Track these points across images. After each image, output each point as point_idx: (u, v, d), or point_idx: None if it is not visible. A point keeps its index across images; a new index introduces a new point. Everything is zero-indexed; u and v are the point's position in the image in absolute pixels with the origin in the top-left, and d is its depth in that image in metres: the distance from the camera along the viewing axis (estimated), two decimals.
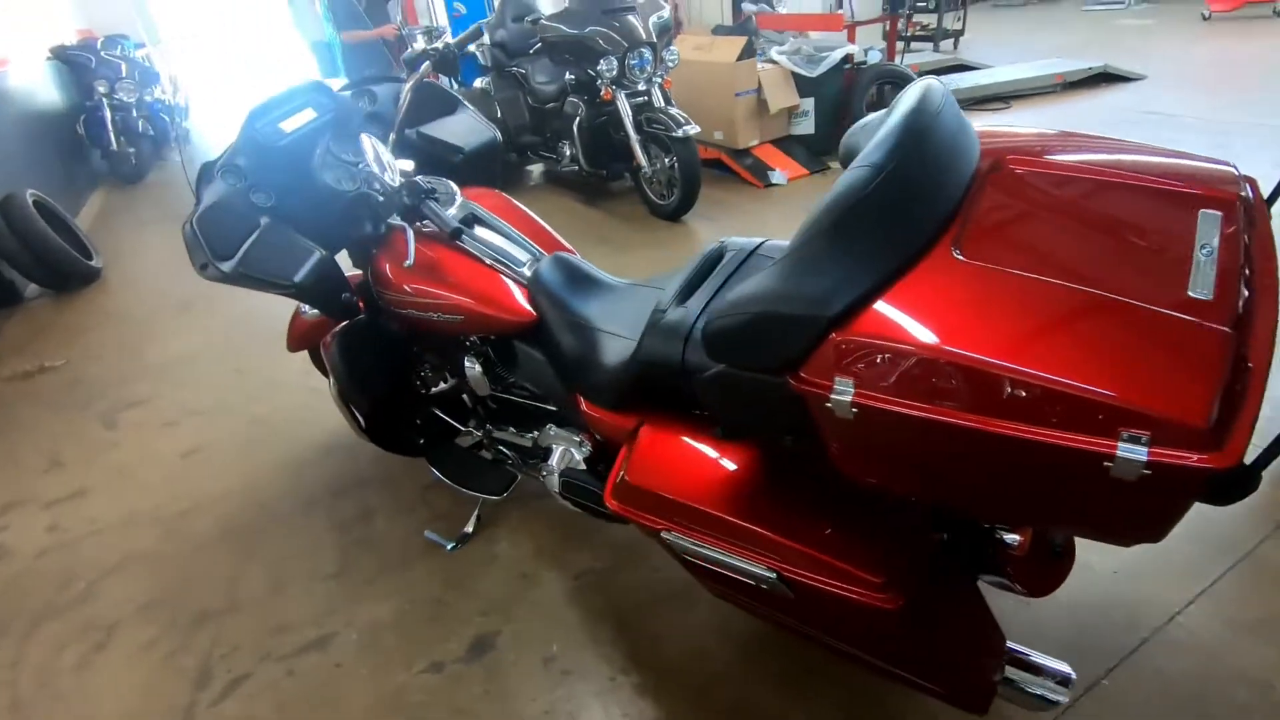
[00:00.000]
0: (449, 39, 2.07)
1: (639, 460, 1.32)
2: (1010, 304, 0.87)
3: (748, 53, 4.70)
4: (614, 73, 4.08)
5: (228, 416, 2.93)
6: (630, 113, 4.13)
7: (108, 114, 6.60)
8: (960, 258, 0.91)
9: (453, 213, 1.74)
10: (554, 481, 1.78)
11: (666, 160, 4.20)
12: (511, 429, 1.95)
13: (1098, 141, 1.13)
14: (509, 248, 1.76)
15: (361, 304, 1.90)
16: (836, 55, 4.83)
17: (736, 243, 1.50)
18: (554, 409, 1.86)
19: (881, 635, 1.14)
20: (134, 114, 6.87)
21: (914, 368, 0.86)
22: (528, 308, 1.68)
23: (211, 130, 9.08)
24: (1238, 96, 5.54)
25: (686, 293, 1.39)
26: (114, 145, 6.62)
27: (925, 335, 0.85)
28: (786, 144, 5.09)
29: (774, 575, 1.15)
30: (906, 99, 1.04)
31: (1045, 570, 1.32)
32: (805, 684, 1.60)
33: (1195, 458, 0.71)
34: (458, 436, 2.22)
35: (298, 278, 1.68)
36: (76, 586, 2.15)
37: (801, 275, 0.92)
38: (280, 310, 3.88)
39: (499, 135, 2.11)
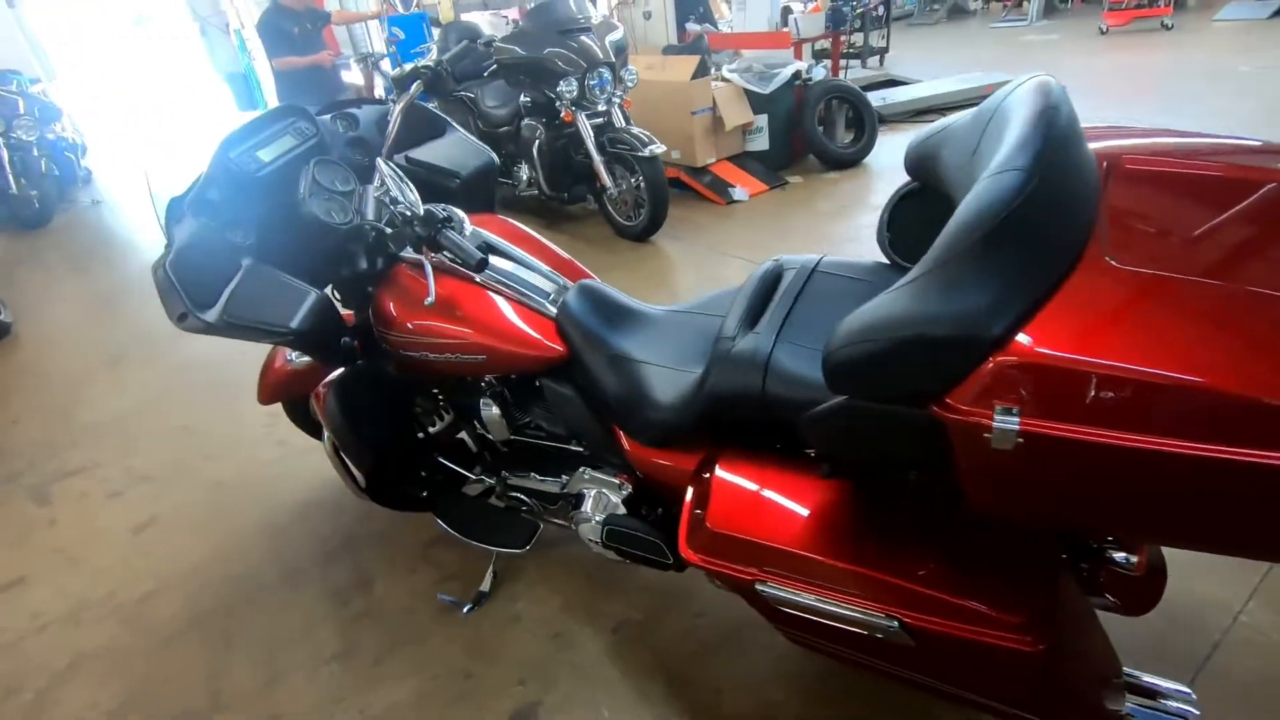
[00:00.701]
0: (431, 59, 1.91)
1: (722, 503, 1.19)
2: (1184, 311, 0.79)
3: (701, 71, 4.69)
4: (574, 94, 3.99)
5: (183, 481, 2.63)
6: (592, 134, 4.03)
7: (4, 154, 6.04)
8: (1115, 264, 0.84)
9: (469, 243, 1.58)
10: (591, 529, 1.63)
11: (632, 180, 4.12)
12: (533, 474, 1.79)
13: (1188, 135, 1.09)
14: (531, 278, 1.61)
15: (359, 347, 1.71)
16: (787, 72, 4.88)
17: (794, 261, 1.41)
18: (580, 450, 1.72)
19: (1016, 679, 1.04)
20: (34, 153, 6.32)
21: (1095, 388, 0.77)
22: (556, 343, 1.54)
23: (111, 170, 8.48)
24: (1151, 101, 5.91)
25: (751, 318, 1.28)
26: (13, 188, 6.06)
27: (1105, 351, 0.77)
28: (742, 160, 5.10)
29: (895, 624, 1.04)
30: (1026, 97, 0.96)
31: (1146, 586, 1.26)
32: None
33: None
34: (464, 486, 2.03)
35: (295, 323, 1.49)
36: (22, 697, 1.84)
37: (950, 294, 0.83)
38: (228, 356, 3.60)
39: (495, 158, 1.97)
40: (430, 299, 1.45)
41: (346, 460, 1.84)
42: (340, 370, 1.76)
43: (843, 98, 5.17)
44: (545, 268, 1.67)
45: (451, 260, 1.53)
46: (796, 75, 4.94)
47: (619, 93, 4.16)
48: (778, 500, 1.17)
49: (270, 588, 2.08)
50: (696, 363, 1.42)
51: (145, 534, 2.38)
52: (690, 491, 1.31)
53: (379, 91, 6.04)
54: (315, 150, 1.72)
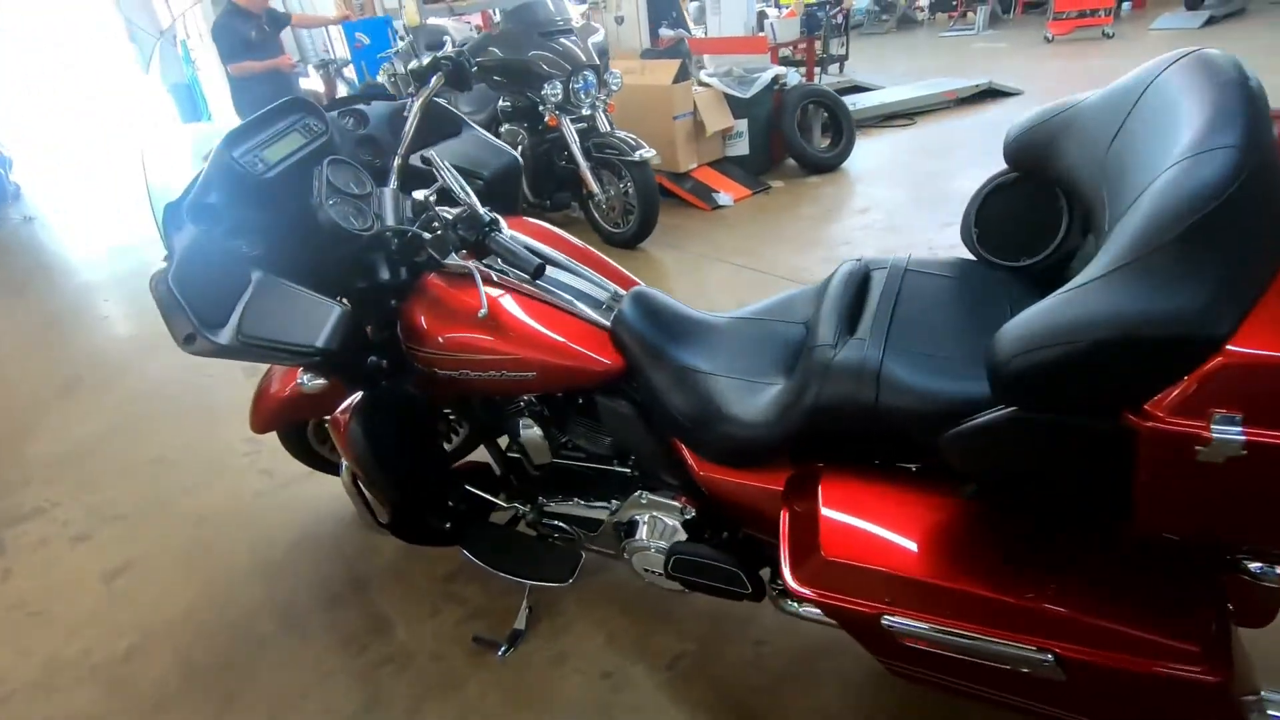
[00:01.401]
0: (450, 50, 1.75)
1: (837, 529, 1.08)
2: None
3: (682, 75, 4.62)
4: (559, 97, 3.85)
5: (158, 519, 2.38)
6: (577, 138, 3.90)
7: None
8: None
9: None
10: (649, 559, 1.50)
11: (620, 186, 4.00)
12: (576, 499, 1.64)
13: None
14: (581, 285, 1.47)
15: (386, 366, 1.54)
16: (767, 76, 4.85)
17: (879, 260, 1.31)
18: (626, 471, 1.59)
19: (1186, 713, 0.96)
20: None
21: None
22: (613, 356, 1.40)
23: (43, 185, 7.94)
24: None
25: (848, 324, 1.17)
26: None
27: None
28: (723, 165, 5.04)
29: (1050, 657, 0.94)
30: (1193, 72, 0.88)
31: (1267, 595, 1.19)
32: None
33: None
34: (489, 515, 1.87)
35: (321, 341, 1.32)
36: None
37: (1159, 289, 0.73)
38: (193, 380, 3.32)
39: (518, 157, 1.82)
40: (483, 311, 1.30)
41: (368, 493, 1.66)
42: (361, 394, 1.59)
43: (820, 102, 5.17)
44: (593, 274, 1.53)
45: (499, 267, 1.38)
46: (775, 80, 4.91)
47: (603, 96, 4.05)
48: (903, 524, 1.06)
49: (272, 637, 1.87)
50: (774, 374, 1.31)
51: (121, 581, 2.13)
52: (785, 516, 1.20)
53: None
54: (325, 149, 1.55)
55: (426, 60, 1.68)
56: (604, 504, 1.60)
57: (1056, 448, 0.86)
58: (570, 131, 3.91)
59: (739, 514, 1.40)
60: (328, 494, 2.37)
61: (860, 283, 1.26)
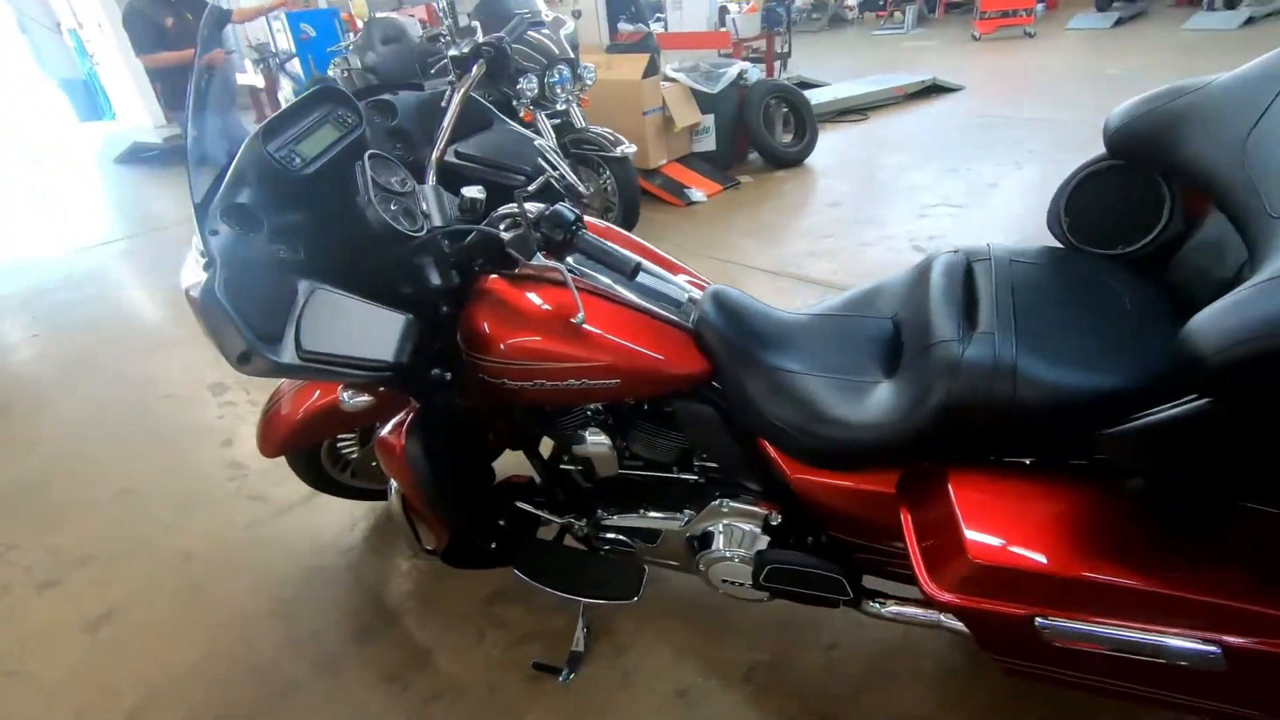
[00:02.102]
0: (479, 38, 1.62)
1: (983, 530, 1.04)
2: None
3: (651, 70, 4.55)
4: (535, 92, 3.72)
5: (138, 559, 2.14)
6: (553, 134, 3.78)
7: None
8: None
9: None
10: (733, 569, 1.44)
11: (600, 182, 3.90)
12: (642, 511, 1.55)
13: None
14: (658, 285, 1.39)
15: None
16: (733, 71, 4.84)
17: (976, 251, 1.28)
18: (694, 479, 1.52)
19: None
20: None
21: None
22: (699, 359, 1.33)
23: None
24: (1048, 99, 6.40)
25: (967, 318, 1.13)
26: None
27: None
28: (690, 161, 5.01)
29: (1217, 650, 0.93)
30: None
31: None
32: None
33: None
34: (534, 531, 1.76)
35: (393, 355, 1.19)
36: None
37: None
38: (142, 400, 3.02)
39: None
40: (579, 316, 1.19)
41: (420, 518, 1.53)
42: (413, 411, 1.45)
43: (782, 98, 5.20)
44: (667, 273, 1.45)
45: (586, 267, 1.28)
46: (740, 75, 4.91)
47: (577, 91, 3.94)
48: (1050, 522, 1.03)
49: (302, 681, 1.70)
50: (871, 372, 1.27)
51: (106, 631, 1.90)
52: (908, 518, 1.15)
53: (283, 96, 5.45)
54: (360, 143, 1.41)
55: (466, 47, 1.56)
56: (675, 515, 1.52)
57: (1257, 440, 0.84)
58: (546, 127, 3.78)
59: (833, 517, 1.36)
60: (332, 518, 2.20)
61: (965, 273, 1.23)
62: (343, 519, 2.20)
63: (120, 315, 3.95)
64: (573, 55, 3.85)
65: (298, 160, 1.30)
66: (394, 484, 1.50)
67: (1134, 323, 1.09)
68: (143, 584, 2.04)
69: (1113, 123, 1.19)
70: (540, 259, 1.26)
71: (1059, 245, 1.31)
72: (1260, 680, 0.96)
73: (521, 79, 3.67)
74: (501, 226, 1.29)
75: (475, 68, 1.57)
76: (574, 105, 3.93)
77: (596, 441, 1.46)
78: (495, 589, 1.88)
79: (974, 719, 1.46)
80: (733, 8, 5.27)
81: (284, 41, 4.89)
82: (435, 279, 1.40)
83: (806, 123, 5.22)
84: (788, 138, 5.37)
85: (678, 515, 1.51)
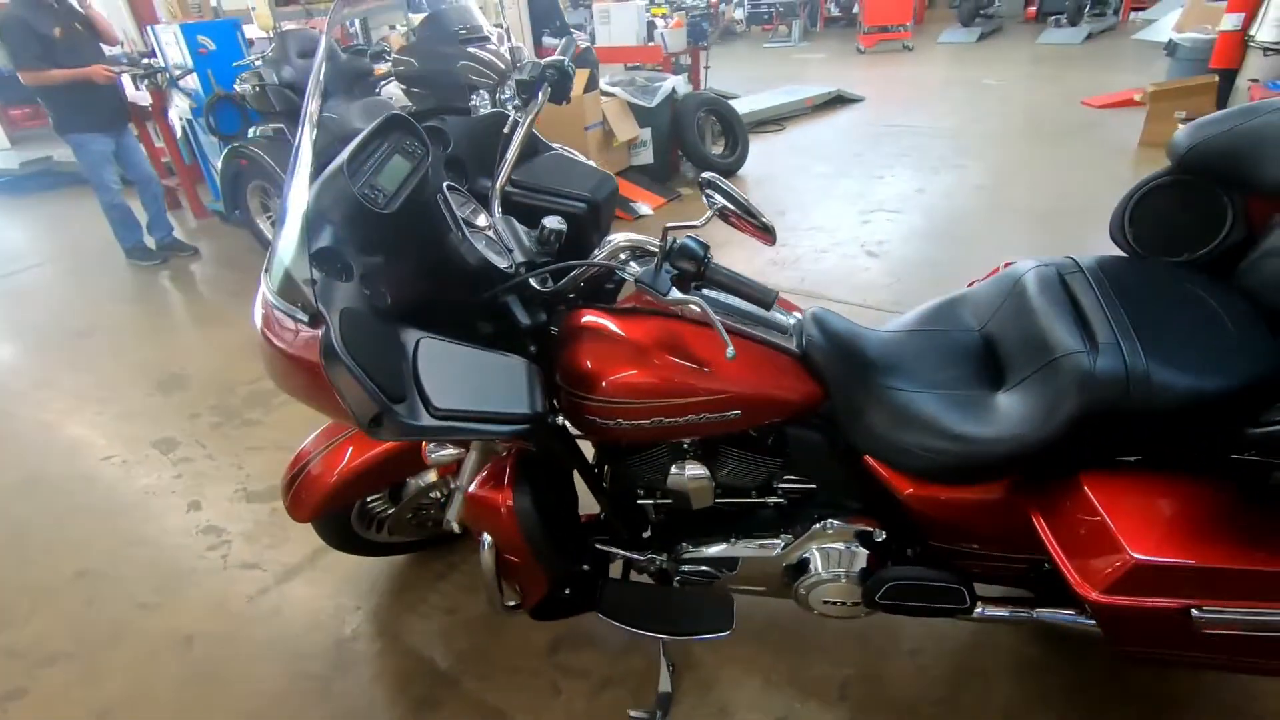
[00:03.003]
0: (525, 63, 1.53)
1: (1136, 530, 1.09)
2: None
3: (591, 84, 4.52)
4: (486, 108, 3.59)
5: (126, 646, 1.87)
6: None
7: None
8: None
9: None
10: (837, 591, 1.44)
11: None
12: (738, 539, 1.52)
13: None
14: (764, 313, 1.37)
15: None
16: (668, 85, 4.90)
17: (1055, 262, 1.35)
18: (778, 501, 1.51)
19: None
20: None
21: None
22: (812, 383, 1.33)
23: None
24: (934, 109, 6.91)
25: (1083, 328, 1.19)
26: None
27: None
28: (629, 175, 5.02)
29: None
30: None
31: None
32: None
33: None
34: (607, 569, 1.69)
35: (528, 406, 1.11)
36: None
37: None
38: (78, 466, 2.64)
39: (614, 176, 1.66)
40: (730, 352, 1.15)
41: (514, 572, 1.42)
42: (495, 461, 1.35)
43: (712, 110, 5.32)
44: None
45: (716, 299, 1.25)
46: (674, 89, 4.98)
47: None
48: (1194, 517, 1.10)
49: None
50: (975, 385, 1.32)
51: None
52: (1043, 524, 1.20)
53: (174, 116, 4.97)
54: (433, 174, 1.30)
55: (527, 71, 1.48)
56: (771, 540, 1.50)
57: None
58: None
59: (940, 528, 1.39)
60: (347, 578, 2.02)
61: (1062, 288, 1.29)
62: (359, 577, 2.02)
63: (13, 371, 3.45)
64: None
65: (380, 197, 1.18)
66: (486, 540, 1.39)
67: (1231, 325, 1.18)
68: (138, 676, 1.79)
69: (1184, 143, 1.29)
70: (676, 293, 1.20)
71: (1123, 255, 1.42)
72: None
73: (475, 95, 3.54)
74: (621, 259, 1.23)
75: (541, 93, 1.49)
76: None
77: (695, 474, 1.42)
78: (555, 636, 1.79)
79: (1069, 705, 1.54)
80: (659, 22, 5.33)
81: (177, 55, 4.45)
82: (524, 317, 1.32)
83: (738, 134, 5.35)
84: (718, 149, 5.48)
85: (774, 541, 1.50)
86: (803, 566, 1.48)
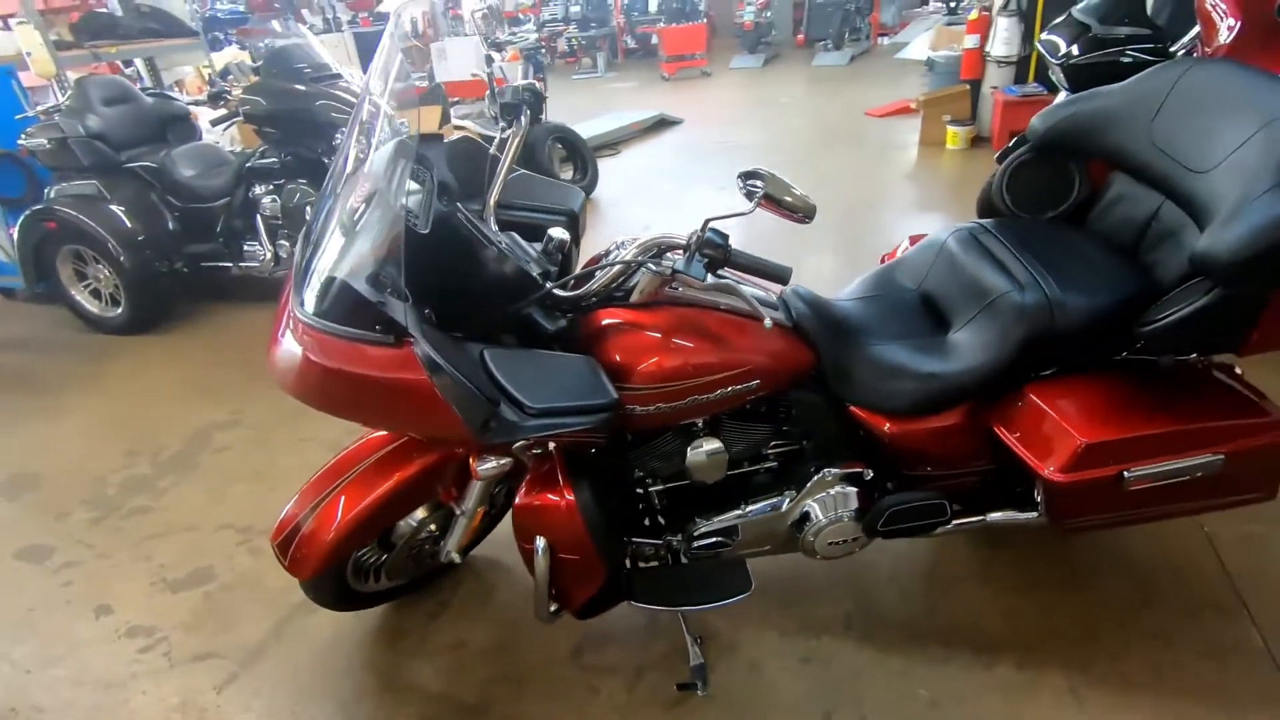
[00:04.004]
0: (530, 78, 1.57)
1: (1082, 420, 1.39)
2: None
3: (445, 119, 4.51)
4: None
5: None
6: None
7: None
8: None
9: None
10: (840, 531, 1.63)
11: None
12: (748, 504, 1.66)
13: None
14: (756, 292, 1.53)
15: None
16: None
17: (968, 226, 1.67)
18: (771, 466, 1.70)
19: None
20: None
21: None
22: (806, 349, 1.52)
23: None
24: (745, 126, 7.63)
25: (1005, 273, 1.50)
26: None
27: None
28: None
29: (1220, 457, 1.41)
30: (1226, 66, 1.41)
31: None
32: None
33: None
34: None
35: (610, 394, 1.19)
36: None
37: None
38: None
39: (581, 190, 1.76)
40: (769, 322, 1.28)
41: (569, 574, 1.45)
42: (537, 467, 1.38)
43: (560, 138, 5.49)
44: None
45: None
46: None
47: None
48: (1112, 402, 1.43)
49: None
50: (931, 332, 1.60)
51: None
52: (1005, 433, 1.48)
53: None
54: (441, 194, 1.34)
55: (509, 95, 1.54)
56: (778, 498, 1.66)
57: (1241, 306, 1.30)
58: None
59: (914, 458, 1.63)
60: (324, 641, 1.91)
61: (975, 244, 1.60)
62: (338, 637, 1.91)
63: None
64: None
65: (415, 219, 1.20)
66: (541, 545, 1.41)
67: (1101, 259, 1.56)
68: None
69: (1038, 126, 1.67)
70: (711, 278, 1.33)
71: (1004, 218, 1.78)
72: (1244, 470, 1.46)
73: (338, 133, 3.41)
74: (649, 258, 1.34)
75: (525, 117, 1.55)
76: None
77: (713, 449, 1.55)
78: (574, 643, 1.82)
79: (1019, 595, 1.85)
80: (496, 56, 5.42)
81: None
82: (548, 323, 1.39)
83: (586, 159, 5.57)
84: (568, 174, 5.67)
85: (780, 498, 1.66)
86: (804, 518, 1.66)
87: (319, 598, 1.72)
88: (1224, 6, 2.62)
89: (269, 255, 3.79)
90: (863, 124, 7.10)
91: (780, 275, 1.37)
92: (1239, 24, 2.58)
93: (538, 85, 1.62)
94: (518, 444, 1.28)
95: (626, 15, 13.87)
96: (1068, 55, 3.33)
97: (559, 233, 1.46)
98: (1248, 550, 1.88)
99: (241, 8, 11.85)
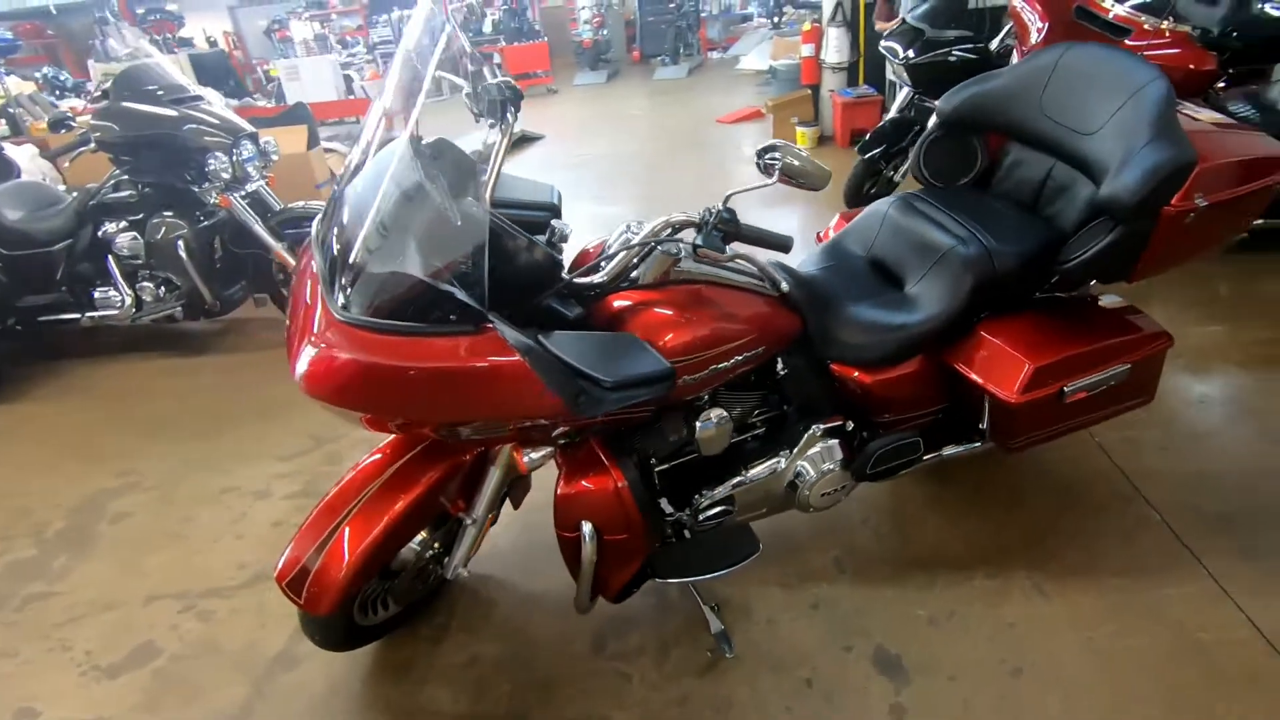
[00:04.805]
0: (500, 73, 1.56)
1: (1031, 348, 1.63)
2: None
3: (313, 141, 4.26)
4: (229, 173, 3.20)
5: None
6: (257, 218, 3.31)
7: None
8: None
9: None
10: (836, 478, 1.77)
11: None
12: (749, 468, 1.76)
13: None
14: (744, 266, 1.63)
15: None
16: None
17: (900, 195, 1.89)
18: (758, 432, 1.82)
19: (1156, 370, 1.83)
20: None
21: (1224, 172, 1.58)
22: (795, 316, 1.65)
23: None
24: (605, 139, 7.83)
25: (946, 231, 1.73)
26: None
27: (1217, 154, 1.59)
28: None
29: (1127, 366, 1.71)
30: (1094, 49, 1.71)
31: None
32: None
33: None
34: None
35: (667, 362, 1.24)
36: None
37: (1179, 144, 1.47)
38: None
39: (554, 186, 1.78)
40: (785, 286, 1.37)
41: (614, 557, 1.46)
42: (573, 455, 1.39)
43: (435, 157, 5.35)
44: None
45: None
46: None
47: (265, 166, 3.51)
48: (1048, 330, 1.69)
49: None
50: (887, 290, 1.79)
51: None
52: (966, 369, 1.70)
53: None
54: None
55: (495, 92, 1.54)
56: (775, 459, 1.77)
57: (1135, 239, 1.60)
58: (248, 211, 3.29)
59: (885, 405, 1.81)
60: (317, 693, 1.77)
61: (913, 209, 1.82)
62: (335, 686, 1.77)
63: None
64: (251, 128, 3.41)
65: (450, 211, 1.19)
66: (588, 531, 1.41)
67: (1014, 214, 1.83)
68: None
69: (944, 107, 1.93)
70: (729, 250, 1.41)
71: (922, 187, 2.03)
72: (1138, 378, 1.77)
73: (211, 159, 3.13)
74: (666, 237, 1.39)
75: (510, 112, 1.54)
76: (262, 183, 3.48)
77: (720, 418, 1.62)
78: (593, 637, 1.82)
79: (971, 520, 2.10)
80: (356, 77, 5.17)
81: None
82: (568, 310, 1.41)
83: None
84: None
85: (776, 459, 1.78)
86: (798, 475, 1.79)
87: (328, 640, 1.60)
88: (1034, 11, 3.13)
89: (128, 301, 3.38)
90: (715, 130, 7.53)
91: (783, 244, 1.49)
92: (1046, 25, 3.11)
93: (512, 81, 1.63)
94: (559, 434, 1.29)
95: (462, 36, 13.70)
96: (906, 58, 3.79)
97: (560, 224, 1.48)
98: (1130, 451, 2.27)
99: (9, 34, 10.41)
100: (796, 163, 1.36)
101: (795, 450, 1.76)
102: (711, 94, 9.76)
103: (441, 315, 1.20)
